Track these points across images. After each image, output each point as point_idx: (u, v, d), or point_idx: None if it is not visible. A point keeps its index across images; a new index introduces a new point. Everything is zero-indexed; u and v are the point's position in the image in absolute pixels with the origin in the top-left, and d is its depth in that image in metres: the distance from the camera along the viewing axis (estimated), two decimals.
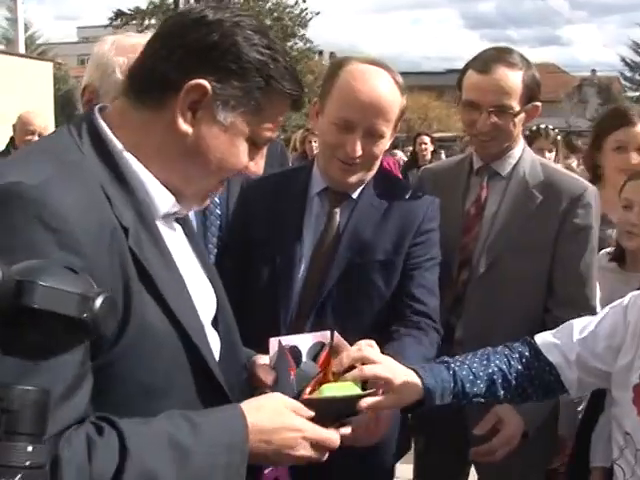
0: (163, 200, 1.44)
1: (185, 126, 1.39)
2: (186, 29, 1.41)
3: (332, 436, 1.55)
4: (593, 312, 2.48)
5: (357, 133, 2.15)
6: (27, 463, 0.87)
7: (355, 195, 2.30)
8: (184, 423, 1.33)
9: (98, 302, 0.97)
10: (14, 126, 6.45)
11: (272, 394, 1.55)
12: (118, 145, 1.40)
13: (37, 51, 30.77)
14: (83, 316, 0.95)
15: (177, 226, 1.57)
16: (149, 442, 1.27)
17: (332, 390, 1.63)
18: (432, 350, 2.18)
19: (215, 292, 1.64)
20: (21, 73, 16.16)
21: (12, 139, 6.50)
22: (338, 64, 2.28)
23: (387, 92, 2.18)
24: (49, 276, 0.94)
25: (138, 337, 1.31)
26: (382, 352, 1.79)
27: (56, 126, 12.56)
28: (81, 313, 0.95)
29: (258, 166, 1.53)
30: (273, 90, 1.43)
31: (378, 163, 2.30)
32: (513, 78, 2.47)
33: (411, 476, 2.93)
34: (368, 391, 1.68)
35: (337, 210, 2.29)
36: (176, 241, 1.53)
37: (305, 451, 1.49)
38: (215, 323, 1.61)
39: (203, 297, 1.56)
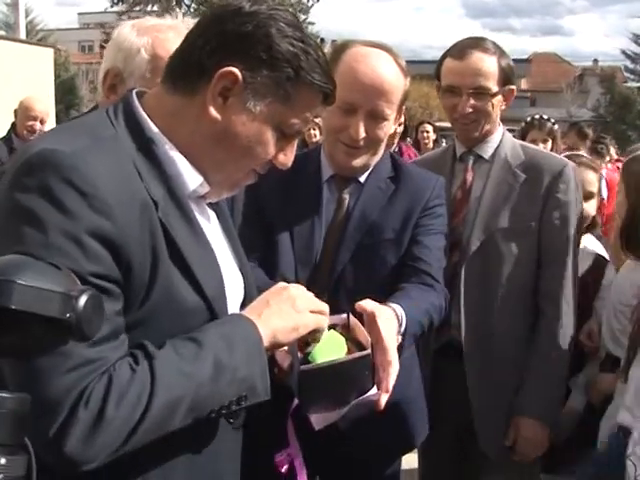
0: (191, 178, 1.48)
1: (215, 112, 1.43)
2: (223, 19, 1.46)
3: (321, 304, 1.60)
4: (575, 284, 2.68)
5: (360, 115, 2.16)
6: (0, 476, 0.84)
7: (362, 179, 2.31)
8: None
9: (82, 301, 0.94)
10: (15, 111, 6.44)
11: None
12: (152, 126, 1.46)
13: (37, 37, 30.65)
14: (66, 316, 0.92)
15: (211, 212, 1.62)
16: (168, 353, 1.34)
17: (323, 353, 1.63)
18: (440, 298, 2.19)
19: (243, 280, 1.68)
20: (22, 59, 16.07)
21: (13, 125, 6.48)
22: (340, 48, 2.27)
23: (389, 74, 2.17)
24: (28, 274, 0.90)
25: (162, 303, 1.37)
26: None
27: (56, 113, 12.54)
28: (63, 313, 0.91)
29: (288, 158, 1.56)
30: (303, 82, 1.46)
31: (383, 146, 2.30)
32: (489, 62, 2.61)
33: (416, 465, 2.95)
34: (364, 352, 1.66)
35: (346, 196, 2.30)
36: (208, 224, 1.57)
37: (309, 317, 1.53)
38: (242, 308, 1.65)
39: (232, 282, 1.59)
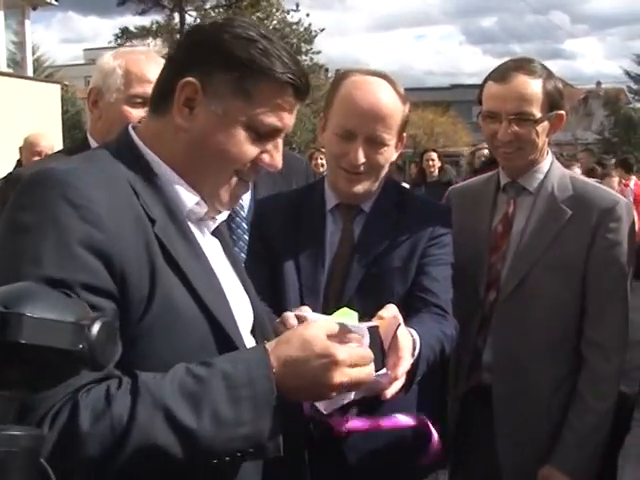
0: (188, 197, 1.51)
1: (183, 123, 1.48)
2: (183, 39, 1.58)
3: (366, 352, 1.47)
4: (625, 331, 2.45)
5: (359, 141, 2.17)
6: None
7: (367, 208, 2.31)
8: (199, 364, 1.35)
9: (95, 329, 0.91)
10: (21, 149, 6.45)
11: (300, 325, 1.51)
12: (147, 150, 1.52)
13: (44, 73, 30.98)
14: (78, 347, 0.89)
15: (213, 238, 1.64)
16: (163, 381, 1.30)
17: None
18: (451, 328, 2.16)
19: (251, 303, 1.68)
20: (29, 95, 16.23)
21: (19, 162, 6.51)
22: (340, 77, 2.31)
23: (386, 99, 2.19)
24: (37, 304, 0.87)
25: (163, 315, 1.37)
26: None
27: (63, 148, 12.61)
28: (76, 344, 0.89)
29: (274, 159, 1.56)
30: (261, 76, 1.47)
31: (384, 172, 2.30)
32: (532, 85, 2.40)
33: None
34: (372, 323, 1.63)
35: (351, 224, 2.30)
36: (210, 247, 1.58)
37: (341, 377, 1.39)
38: (253, 333, 1.64)
39: (240, 306, 1.59)
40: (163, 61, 1.88)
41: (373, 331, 1.60)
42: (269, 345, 1.42)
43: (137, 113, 2.46)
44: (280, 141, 1.57)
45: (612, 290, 2.43)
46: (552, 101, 2.43)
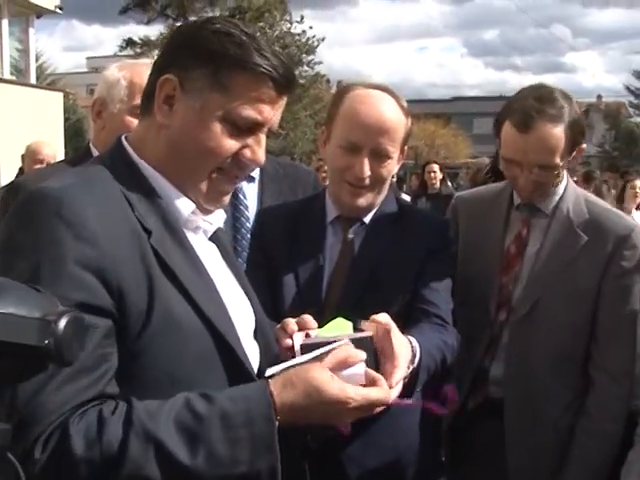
0: (184, 205, 1.52)
1: (164, 120, 1.49)
2: (166, 42, 1.58)
3: (384, 394, 1.46)
4: (634, 356, 2.44)
5: (364, 154, 2.18)
6: None
7: (367, 220, 2.31)
8: (199, 397, 1.34)
9: (62, 324, 0.90)
10: (22, 156, 6.45)
11: (305, 366, 1.44)
12: (139, 160, 1.52)
13: (47, 81, 31.04)
14: (44, 343, 0.88)
15: (211, 244, 1.64)
16: (158, 414, 1.29)
17: (327, 332, 1.60)
18: (452, 337, 2.15)
19: (252, 307, 1.68)
20: (32, 103, 16.28)
21: (21, 169, 6.51)
22: (342, 91, 2.31)
23: (391, 113, 2.20)
24: (4, 300, 0.86)
25: (163, 328, 1.37)
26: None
27: (65, 156, 12.66)
28: (41, 340, 0.87)
29: (256, 154, 1.54)
30: (237, 69, 1.47)
31: (387, 185, 2.31)
32: (556, 135, 2.32)
33: None
34: (365, 333, 1.60)
35: (351, 236, 2.30)
36: (209, 255, 1.58)
37: (351, 416, 1.44)
38: (255, 337, 1.64)
39: (241, 311, 1.59)
40: None
41: (367, 341, 1.59)
42: (273, 386, 1.38)
43: None
44: (262, 136, 1.54)
45: (624, 317, 2.43)
46: (574, 141, 2.39)
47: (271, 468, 1.33)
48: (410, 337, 1.85)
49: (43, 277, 1.27)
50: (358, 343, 1.55)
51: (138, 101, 2.47)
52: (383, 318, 1.67)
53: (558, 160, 2.36)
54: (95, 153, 2.60)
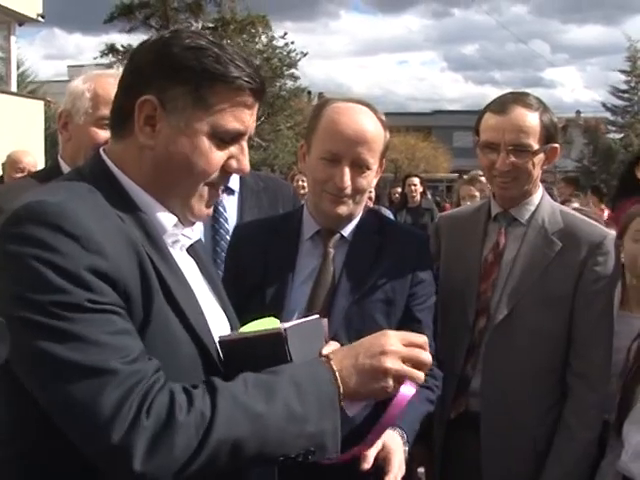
0: (165, 219, 1.53)
1: (147, 141, 1.48)
2: (132, 58, 1.55)
3: (421, 338, 1.58)
4: (609, 362, 2.50)
5: (344, 164, 2.21)
6: None
7: (347, 233, 2.34)
8: (264, 372, 1.43)
9: None
10: (3, 165, 6.42)
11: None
12: (121, 176, 1.52)
13: (27, 89, 30.83)
14: None
15: (187, 257, 1.65)
16: (236, 384, 1.38)
17: (249, 329, 1.60)
18: (436, 381, 2.29)
19: (229, 321, 1.71)
20: (13, 111, 16.16)
21: (1, 178, 6.47)
22: (322, 104, 2.36)
23: (370, 124, 2.25)
24: None
25: (158, 336, 1.40)
26: None
27: (45, 164, 12.57)
28: None
29: (242, 164, 1.57)
30: (216, 82, 1.48)
31: (366, 197, 2.35)
32: (530, 118, 2.47)
33: None
34: (275, 328, 1.60)
35: (331, 250, 2.32)
36: (187, 267, 1.60)
37: (394, 362, 1.49)
38: None
39: (218, 324, 1.61)
40: None
41: (274, 337, 1.56)
42: (332, 354, 1.51)
43: (105, 134, 2.49)
44: (245, 144, 1.57)
45: (598, 322, 2.50)
46: (548, 134, 2.50)
47: (334, 429, 1.42)
48: (400, 431, 2.05)
49: (56, 284, 1.28)
50: (267, 338, 1.54)
51: (103, 112, 2.51)
52: (385, 446, 1.95)
53: (533, 143, 2.47)
54: (64, 166, 2.60)
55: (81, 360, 1.26)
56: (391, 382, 1.49)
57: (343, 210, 2.27)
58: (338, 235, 2.34)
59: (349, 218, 2.33)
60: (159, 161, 1.50)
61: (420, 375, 1.52)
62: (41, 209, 1.34)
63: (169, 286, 1.44)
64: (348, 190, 2.23)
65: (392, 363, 1.48)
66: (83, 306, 1.29)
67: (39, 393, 1.31)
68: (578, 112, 49.10)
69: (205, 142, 1.49)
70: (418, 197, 9.79)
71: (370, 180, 2.29)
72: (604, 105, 41.64)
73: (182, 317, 1.45)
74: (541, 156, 2.52)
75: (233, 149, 1.54)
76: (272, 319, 1.67)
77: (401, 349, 1.50)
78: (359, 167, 2.23)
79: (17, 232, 1.32)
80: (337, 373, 1.45)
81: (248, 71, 1.51)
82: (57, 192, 1.42)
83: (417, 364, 1.52)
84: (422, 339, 1.57)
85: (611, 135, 41.81)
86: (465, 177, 6.21)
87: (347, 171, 2.21)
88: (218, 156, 1.52)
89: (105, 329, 1.30)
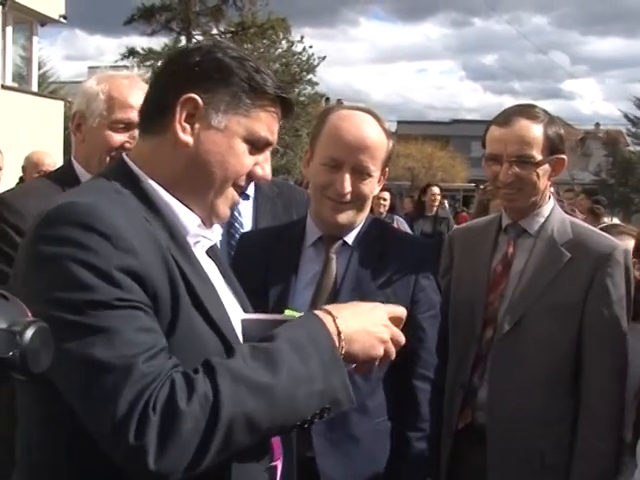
0: (189, 220, 1.56)
1: (186, 137, 1.53)
2: (173, 60, 1.63)
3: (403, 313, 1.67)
4: (623, 373, 2.46)
5: (345, 170, 2.23)
6: None
7: (349, 240, 2.34)
8: (261, 340, 1.46)
9: (27, 335, 0.89)
10: (24, 167, 6.37)
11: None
12: (143, 176, 1.55)
13: (48, 89, 31.10)
14: (8, 354, 0.87)
15: (209, 258, 1.68)
16: (233, 360, 1.39)
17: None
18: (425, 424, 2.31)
19: None
20: (33, 111, 16.30)
21: (21, 179, 6.47)
22: (326, 111, 2.39)
23: (372, 131, 2.26)
24: None
25: (186, 336, 1.43)
26: None
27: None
28: (6, 351, 0.87)
29: (265, 171, 1.63)
30: (257, 91, 1.57)
31: (369, 204, 2.36)
32: (534, 129, 2.47)
33: None
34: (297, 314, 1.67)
35: (333, 256, 2.32)
36: (208, 268, 1.62)
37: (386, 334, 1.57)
38: None
39: (238, 321, 1.63)
40: (146, 86, 1.96)
41: None
42: (320, 312, 1.53)
43: (119, 138, 2.50)
44: (269, 154, 1.65)
45: (609, 333, 2.46)
46: (553, 145, 2.50)
47: (343, 382, 1.45)
48: None
49: (85, 285, 1.30)
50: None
51: (117, 116, 2.51)
52: None
53: (536, 154, 2.46)
54: (77, 167, 2.59)
55: (101, 357, 1.28)
56: (382, 351, 1.56)
57: (343, 218, 2.28)
58: (340, 241, 2.35)
59: (350, 226, 2.33)
60: (193, 159, 1.54)
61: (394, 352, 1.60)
62: (72, 210, 1.37)
63: (194, 286, 1.46)
64: (348, 196, 2.24)
65: (388, 335, 1.57)
66: (112, 304, 1.31)
67: (64, 392, 1.34)
68: (597, 124, 48.88)
69: (240, 144, 1.56)
70: (436, 206, 9.76)
71: (372, 187, 2.29)
72: (626, 116, 41.43)
73: (207, 317, 1.47)
74: (546, 167, 2.51)
75: (259, 157, 1.61)
76: (290, 311, 1.75)
77: (391, 325, 1.60)
78: (360, 173, 2.25)
79: (50, 234, 1.36)
80: (342, 334, 1.48)
81: (280, 85, 1.60)
82: (87, 194, 1.47)
83: (396, 343, 1.60)
84: (404, 313, 1.66)
85: (631, 147, 41.53)
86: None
87: (347, 177, 2.23)
88: (249, 160, 1.58)
89: (129, 326, 1.32)
